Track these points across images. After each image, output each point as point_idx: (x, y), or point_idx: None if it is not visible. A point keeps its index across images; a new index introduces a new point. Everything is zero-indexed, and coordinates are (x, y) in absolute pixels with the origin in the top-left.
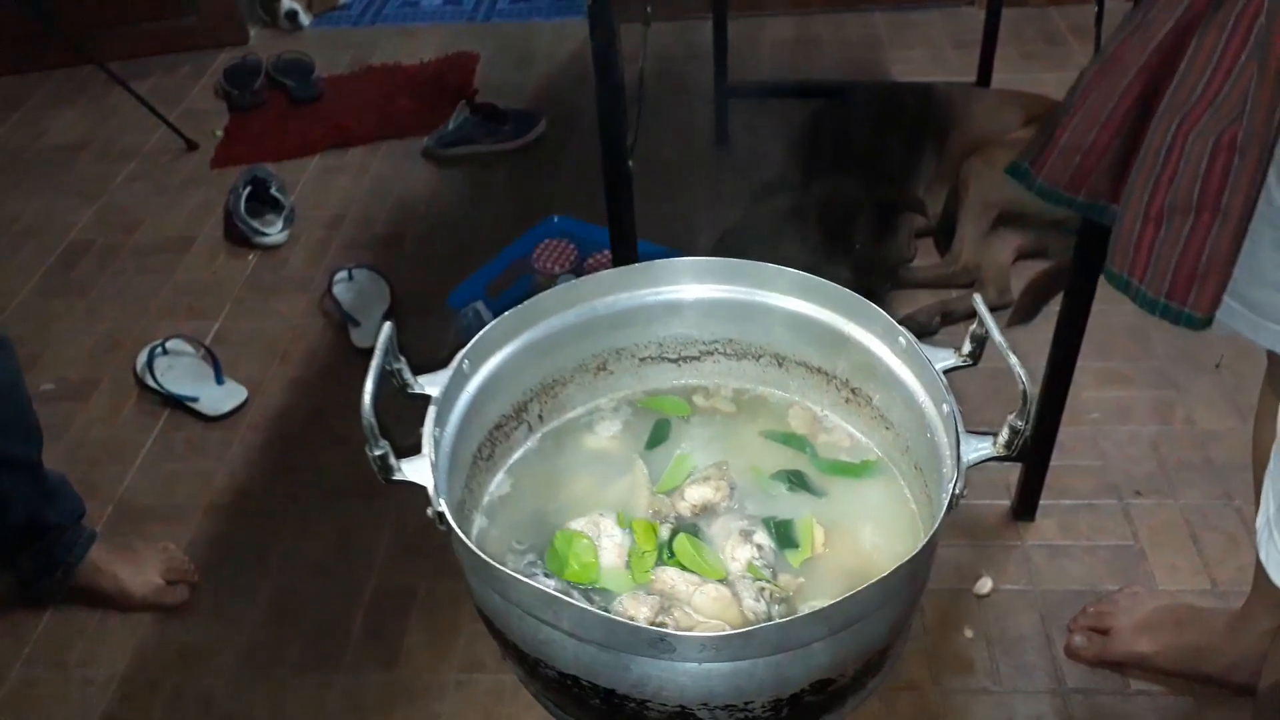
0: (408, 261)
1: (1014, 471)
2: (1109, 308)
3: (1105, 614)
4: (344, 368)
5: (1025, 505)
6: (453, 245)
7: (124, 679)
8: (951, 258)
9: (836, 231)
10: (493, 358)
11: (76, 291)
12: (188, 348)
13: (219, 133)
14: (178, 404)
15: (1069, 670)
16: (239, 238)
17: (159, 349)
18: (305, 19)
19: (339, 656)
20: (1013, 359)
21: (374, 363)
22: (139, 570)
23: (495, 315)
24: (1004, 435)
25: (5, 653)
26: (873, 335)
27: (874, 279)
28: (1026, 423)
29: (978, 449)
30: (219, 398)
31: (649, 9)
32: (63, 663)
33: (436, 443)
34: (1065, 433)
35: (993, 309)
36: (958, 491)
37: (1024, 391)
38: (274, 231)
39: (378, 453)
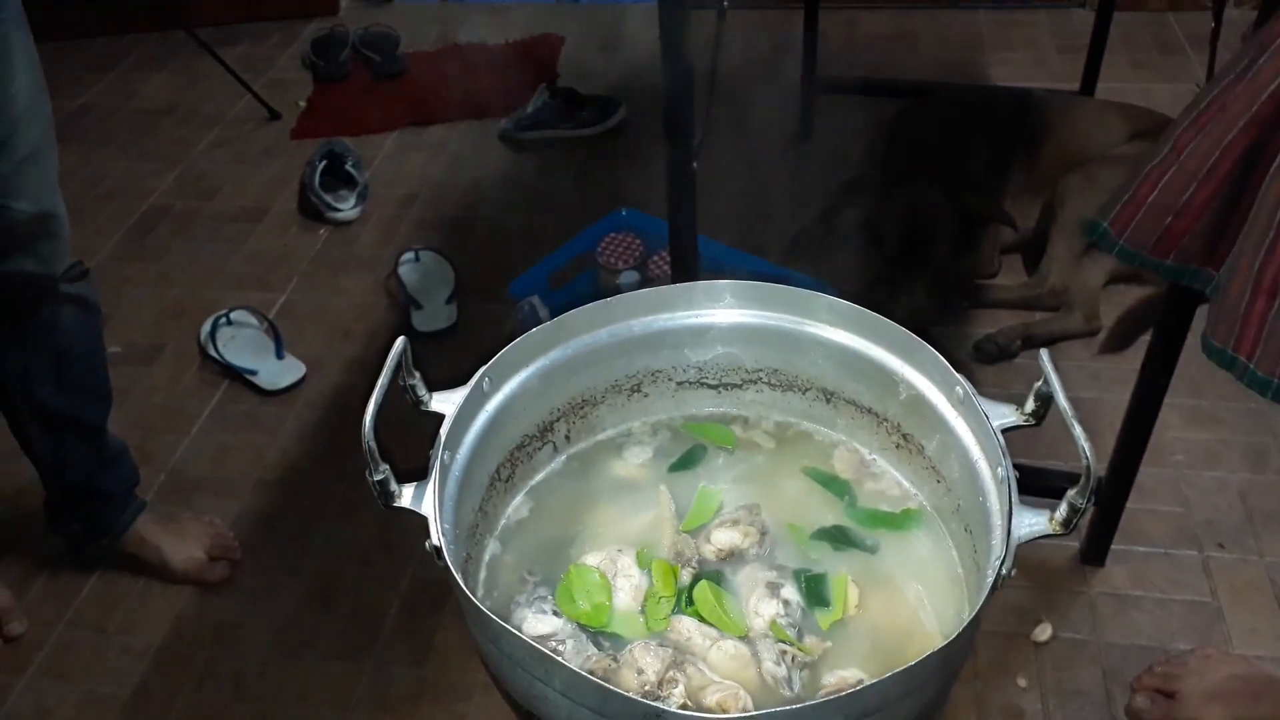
0: (476, 245)
1: (1086, 511)
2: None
3: (1173, 675)
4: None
5: (1095, 549)
6: (522, 231)
7: (160, 650)
8: (1039, 278)
9: (916, 240)
10: (517, 375)
11: (150, 256)
12: (251, 319)
13: (302, 103)
14: (237, 375)
15: None
16: (312, 211)
17: (223, 319)
18: None
19: (370, 647)
20: (1078, 430)
21: (380, 381)
22: (183, 545)
23: (552, 310)
24: (1062, 511)
25: (49, 615)
26: (928, 380)
27: (953, 294)
28: (1088, 501)
29: (1031, 525)
30: (277, 372)
31: (725, 1)
32: (103, 629)
33: (444, 468)
34: (1145, 474)
35: (1080, 336)
36: (1004, 572)
37: (1087, 467)
38: (346, 207)
39: (377, 478)
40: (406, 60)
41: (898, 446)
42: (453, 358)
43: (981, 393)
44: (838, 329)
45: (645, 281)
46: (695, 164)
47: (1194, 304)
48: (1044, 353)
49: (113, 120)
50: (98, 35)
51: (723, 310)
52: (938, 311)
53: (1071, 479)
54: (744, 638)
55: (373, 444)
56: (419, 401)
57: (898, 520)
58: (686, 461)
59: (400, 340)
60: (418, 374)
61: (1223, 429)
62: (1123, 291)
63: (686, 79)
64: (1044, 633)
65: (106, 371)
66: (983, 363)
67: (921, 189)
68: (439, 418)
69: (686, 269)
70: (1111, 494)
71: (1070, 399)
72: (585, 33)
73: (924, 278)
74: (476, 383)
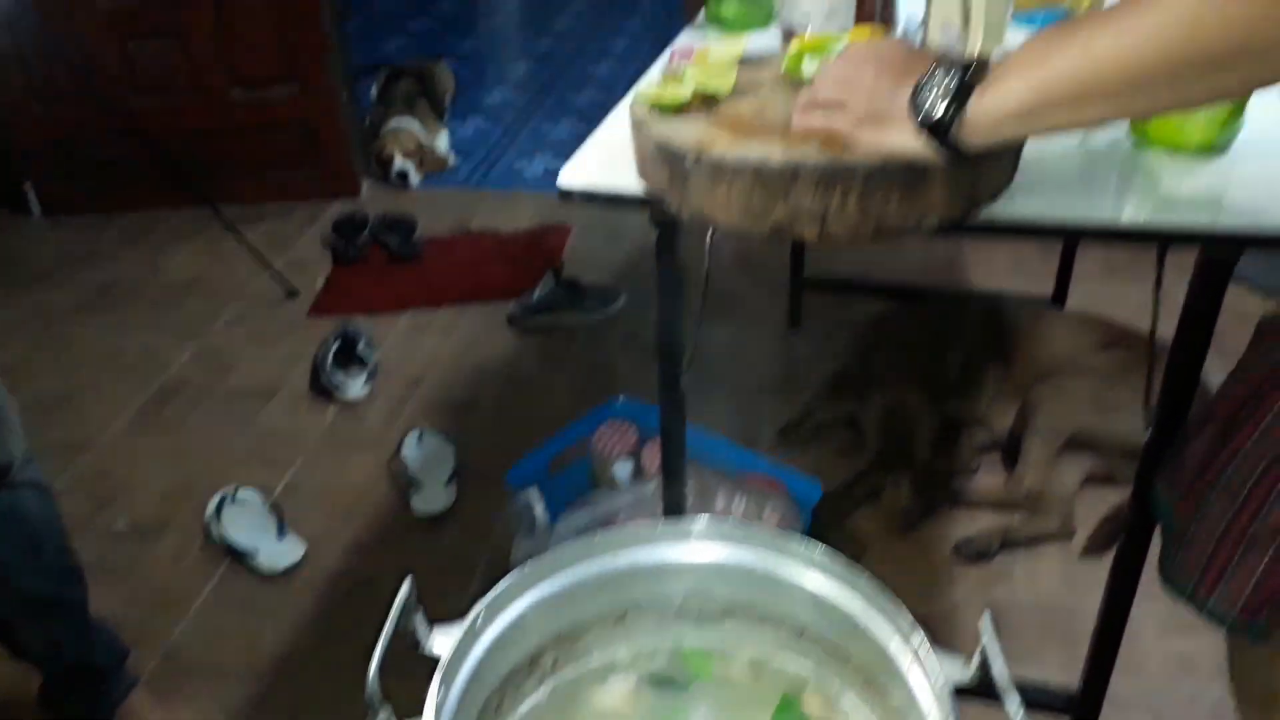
0: (479, 427)
1: None
2: None
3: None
4: (401, 535)
5: None
6: (524, 414)
7: None
8: (1015, 481)
9: (899, 439)
10: (509, 608)
11: (164, 430)
12: (256, 498)
13: (320, 282)
14: (238, 555)
15: None
16: (322, 390)
17: (229, 498)
18: (415, 179)
19: None
20: (1012, 699)
21: (386, 630)
22: None
23: (547, 505)
24: None
25: None
26: (891, 627)
27: (935, 493)
28: None
29: None
30: (277, 554)
31: (710, 244)
32: None
33: (438, 709)
34: (1118, 684)
35: (1055, 539)
36: None
37: None
38: (355, 388)
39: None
40: (422, 244)
41: (865, 685)
42: (448, 542)
43: (955, 595)
44: (806, 568)
45: (639, 471)
46: (683, 380)
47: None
48: (986, 618)
49: (138, 293)
50: (130, 210)
51: (696, 545)
52: (921, 510)
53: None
54: None
55: (377, 689)
56: (417, 644)
57: None
58: (666, 682)
59: (407, 583)
60: (420, 611)
61: (1196, 637)
62: (1099, 495)
63: (676, 312)
64: None
65: (71, 548)
66: (963, 564)
67: (902, 391)
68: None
69: (676, 480)
70: (1085, 706)
71: (1049, 606)
72: (590, 224)
73: (907, 476)
74: (472, 620)
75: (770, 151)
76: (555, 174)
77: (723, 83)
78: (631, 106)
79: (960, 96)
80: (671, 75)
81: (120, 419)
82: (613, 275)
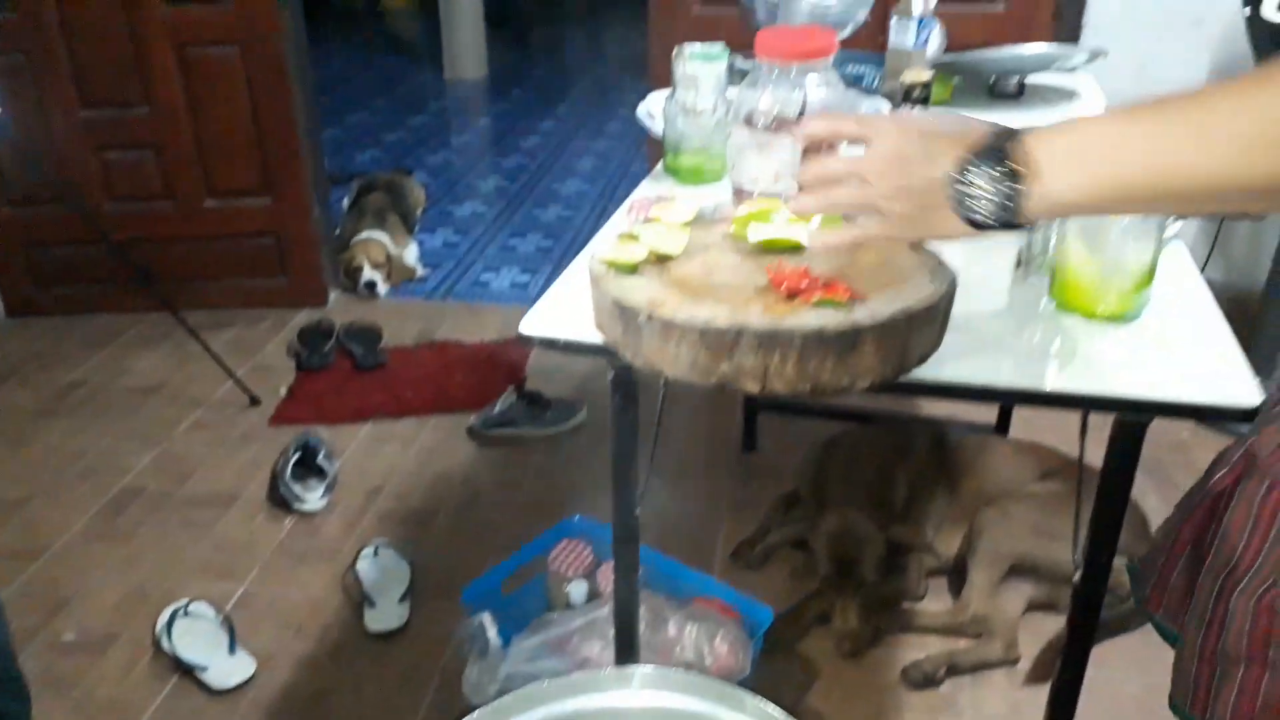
0: (435, 540)
1: None
2: (1119, 675)
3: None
4: (353, 652)
5: None
6: (481, 528)
7: None
8: (961, 606)
9: (847, 562)
10: None
11: (119, 537)
12: (209, 611)
13: (283, 390)
14: (188, 670)
15: None
16: (279, 501)
17: (182, 611)
18: (382, 289)
19: None
20: None
21: None
22: None
23: (501, 623)
24: None
25: None
26: None
27: (882, 618)
28: None
29: None
30: (227, 670)
31: (665, 382)
32: None
33: None
34: None
35: (1000, 665)
36: None
37: None
38: (313, 499)
39: None
40: (386, 354)
41: None
42: (400, 661)
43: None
44: (747, 718)
45: (594, 592)
46: (638, 512)
47: (1091, 637)
48: None
49: (102, 396)
50: (96, 313)
51: (652, 693)
52: (869, 634)
53: None
54: None
55: None
56: None
57: None
58: None
59: None
60: None
61: None
62: (1041, 622)
63: (631, 447)
64: None
65: (16, 661)
66: (910, 689)
67: (851, 514)
68: None
69: (628, 612)
70: None
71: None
72: None
73: (855, 599)
74: None
75: (716, 314)
76: (521, 287)
77: (674, 245)
78: (590, 263)
79: (1010, 189)
80: (628, 235)
81: (75, 525)
82: (574, 389)
